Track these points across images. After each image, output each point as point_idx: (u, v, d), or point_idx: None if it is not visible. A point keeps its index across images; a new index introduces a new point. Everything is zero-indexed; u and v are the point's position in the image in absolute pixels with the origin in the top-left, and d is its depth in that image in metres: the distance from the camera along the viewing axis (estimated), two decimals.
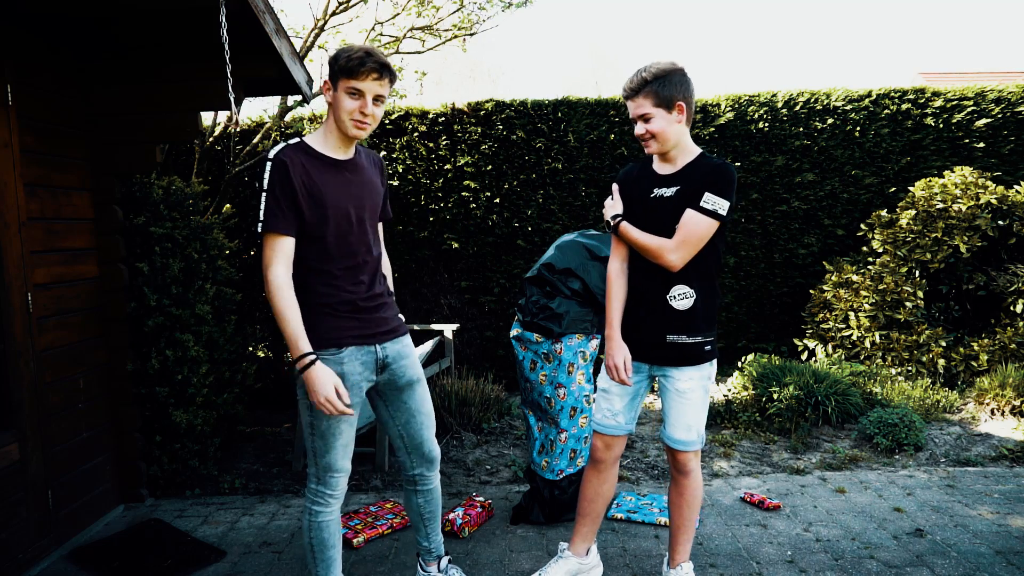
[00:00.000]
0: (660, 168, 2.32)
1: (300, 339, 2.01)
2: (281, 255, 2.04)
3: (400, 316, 2.35)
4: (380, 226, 2.37)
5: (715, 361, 2.39)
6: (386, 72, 2.05)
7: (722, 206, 2.18)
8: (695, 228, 2.18)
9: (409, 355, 2.30)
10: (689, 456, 2.41)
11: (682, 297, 2.27)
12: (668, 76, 2.18)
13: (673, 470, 2.48)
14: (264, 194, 2.02)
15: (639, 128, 2.24)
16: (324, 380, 1.99)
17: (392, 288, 2.40)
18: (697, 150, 2.31)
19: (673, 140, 2.24)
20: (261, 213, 2.02)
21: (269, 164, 2.03)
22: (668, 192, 2.26)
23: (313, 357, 2.01)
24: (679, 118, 2.21)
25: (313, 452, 2.18)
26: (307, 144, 2.11)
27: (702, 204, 2.17)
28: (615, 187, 2.41)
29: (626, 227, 2.29)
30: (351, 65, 2.00)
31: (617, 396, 2.45)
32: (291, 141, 2.11)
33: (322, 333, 2.10)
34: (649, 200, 2.29)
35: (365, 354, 2.18)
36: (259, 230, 2.03)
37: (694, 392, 2.35)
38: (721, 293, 2.34)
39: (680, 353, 2.30)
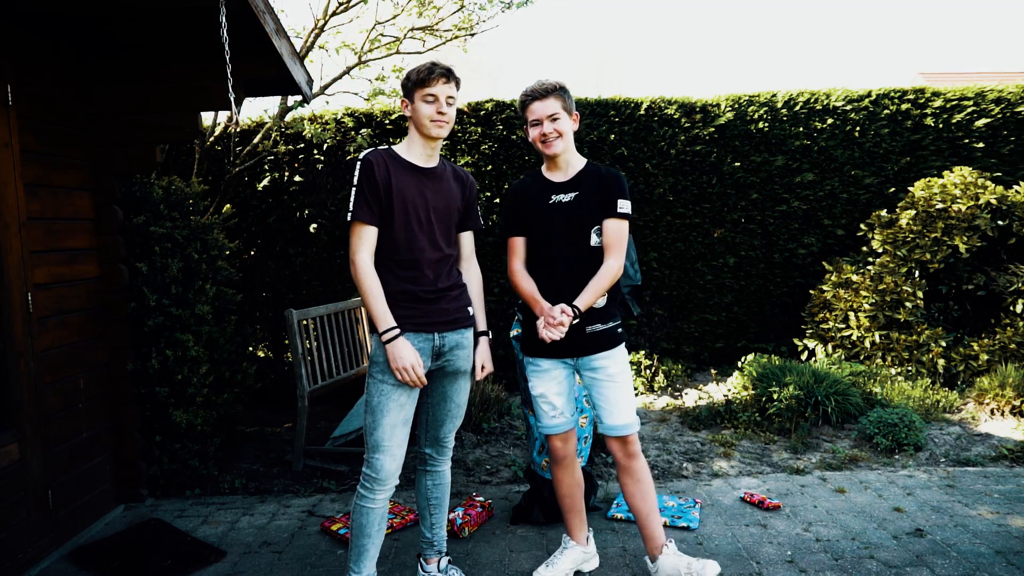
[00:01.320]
0: (553, 176, 2.57)
1: (386, 315, 2.28)
2: (365, 242, 2.32)
3: (468, 309, 2.52)
4: (469, 235, 2.60)
5: (624, 344, 2.60)
6: (452, 76, 2.37)
7: (629, 207, 2.51)
8: (621, 232, 2.49)
9: (466, 346, 2.49)
10: (634, 437, 2.54)
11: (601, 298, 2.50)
12: (567, 90, 2.52)
13: (622, 459, 2.56)
14: (354, 189, 2.32)
15: (547, 127, 2.47)
16: (406, 352, 2.25)
17: (476, 291, 2.59)
18: (583, 159, 2.59)
19: (568, 143, 2.51)
20: (351, 204, 2.31)
21: (359, 163, 2.33)
22: (566, 198, 2.51)
23: (397, 332, 2.27)
24: (575, 126, 2.54)
25: (366, 429, 2.36)
26: (393, 151, 2.41)
27: (619, 211, 2.48)
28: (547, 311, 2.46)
29: (584, 296, 2.44)
30: (422, 76, 2.32)
31: (555, 395, 2.58)
32: (380, 147, 2.42)
33: None
34: (547, 207, 2.52)
35: (422, 340, 2.37)
36: (348, 219, 2.32)
37: (624, 374, 2.53)
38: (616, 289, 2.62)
39: (600, 339, 2.50)
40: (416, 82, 2.33)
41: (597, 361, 2.51)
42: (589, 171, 2.54)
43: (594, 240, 2.49)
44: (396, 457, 2.34)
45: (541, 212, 2.53)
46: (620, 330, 2.56)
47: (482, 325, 2.58)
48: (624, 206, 2.48)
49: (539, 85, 2.49)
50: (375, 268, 2.33)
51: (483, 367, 2.55)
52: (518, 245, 2.59)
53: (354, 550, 2.38)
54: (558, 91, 2.48)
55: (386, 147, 2.40)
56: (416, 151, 2.40)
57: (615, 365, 2.51)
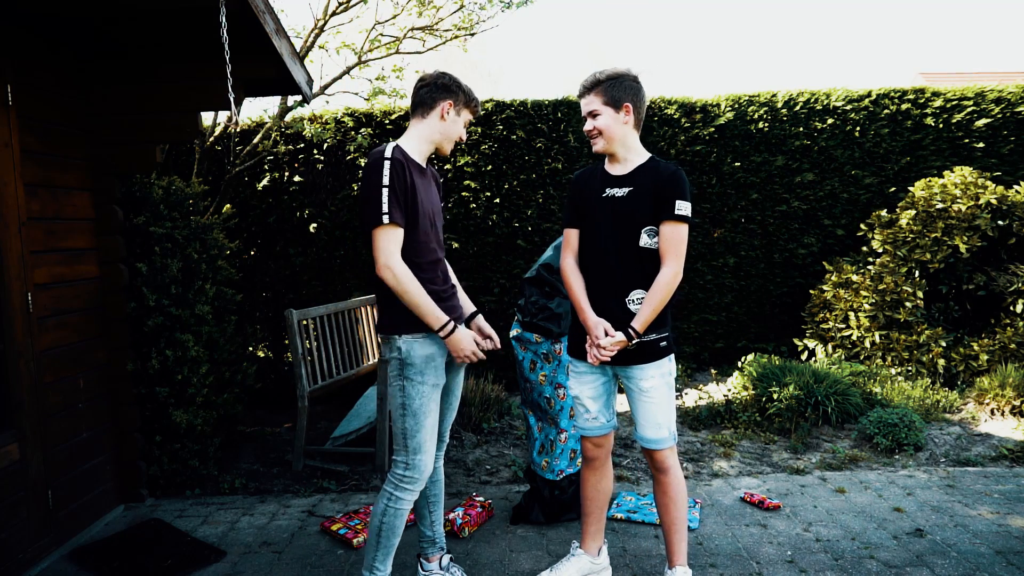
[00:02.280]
0: (612, 169, 2.43)
1: (438, 311, 2.28)
2: (398, 245, 2.27)
3: (462, 305, 2.56)
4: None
5: (673, 357, 2.45)
6: None
7: (689, 208, 2.30)
8: (678, 236, 2.30)
9: None
10: (665, 454, 2.44)
11: (639, 301, 2.35)
12: (620, 79, 2.34)
13: (652, 470, 2.52)
14: (385, 189, 2.23)
15: (587, 124, 2.38)
16: (464, 339, 2.30)
17: (453, 279, 2.61)
18: (647, 154, 2.41)
19: (619, 139, 2.37)
20: (384, 206, 2.22)
21: (388, 163, 2.24)
22: (620, 192, 2.37)
23: (453, 324, 2.29)
24: (626, 119, 2.35)
25: (403, 434, 2.35)
26: (403, 149, 2.34)
27: (676, 212, 2.28)
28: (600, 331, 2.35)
29: (640, 315, 2.30)
30: (478, 105, 2.45)
31: (590, 399, 2.53)
32: (394, 144, 2.33)
33: (414, 319, 2.31)
34: (601, 199, 2.40)
35: (439, 339, 2.38)
36: (382, 222, 2.22)
37: (657, 390, 2.41)
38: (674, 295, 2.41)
39: (639, 351, 2.37)
40: (470, 101, 2.41)
41: (631, 372, 2.41)
42: (648, 167, 2.36)
43: (643, 240, 2.32)
44: (432, 456, 2.40)
45: (593, 205, 2.41)
46: (664, 343, 2.38)
47: (472, 306, 2.62)
48: (683, 207, 2.27)
49: (587, 78, 2.37)
50: None
51: (493, 338, 2.57)
52: (572, 238, 2.48)
53: (382, 550, 2.39)
54: (601, 84, 2.33)
55: (395, 145, 2.33)
56: (421, 153, 2.40)
57: (648, 380, 2.39)
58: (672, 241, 2.28)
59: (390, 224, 2.22)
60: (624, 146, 2.38)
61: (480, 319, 2.59)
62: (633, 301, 2.35)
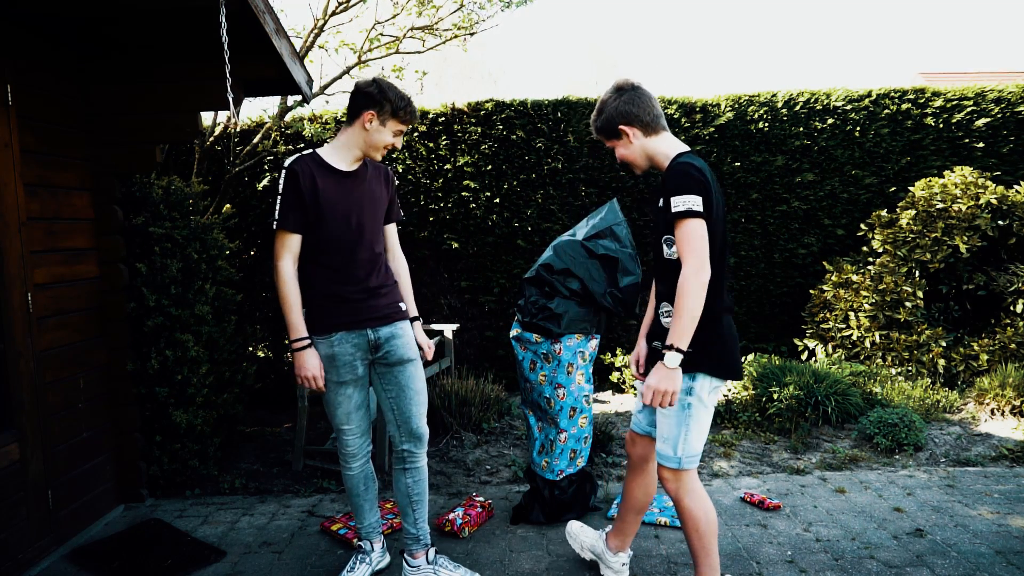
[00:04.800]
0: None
1: (299, 325, 2.45)
2: (288, 250, 2.44)
3: (400, 304, 2.63)
4: (393, 227, 2.73)
5: (696, 376, 2.19)
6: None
7: (692, 202, 2.05)
8: (684, 233, 2.09)
9: (401, 336, 2.58)
10: (664, 472, 2.29)
11: (667, 315, 2.28)
12: (603, 110, 2.29)
13: (662, 484, 2.37)
14: (279, 197, 2.42)
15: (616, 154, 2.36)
16: (308, 363, 2.45)
17: (405, 281, 2.74)
18: (672, 155, 2.24)
19: (641, 159, 2.30)
20: (276, 212, 2.42)
21: (284, 172, 2.42)
22: (661, 202, 2.25)
23: (307, 342, 2.46)
24: (631, 139, 2.27)
25: (328, 416, 2.66)
26: (319, 155, 2.46)
27: (674, 210, 2.08)
28: None
29: (677, 341, 2.10)
30: (408, 114, 2.44)
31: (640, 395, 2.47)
32: (305, 152, 2.47)
33: (315, 321, 2.50)
34: (658, 209, 2.32)
35: (357, 336, 2.52)
36: (273, 227, 2.43)
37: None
38: (716, 311, 2.21)
39: (653, 359, 2.28)
40: (396, 111, 2.41)
41: (648, 379, 2.18)
42: (668, 167, 2.23)
43: (666, 252, 2.23)
44: (359, 433, 2.64)
45: (655, 216, 2.38)
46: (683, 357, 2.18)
47: (413, 312, 2.72)
48: (679, 203, 2.06)
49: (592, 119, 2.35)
50: (306, 272, 2.47)
51: (430, 347, 2.75)
52: None
53: (353, 509, 2.76)
54: (595, 127, 2.33)
55: (311, 152, 2.46)
56: (345, 158, 2.47)
57: None
58: (681, 241, 2.08)
59: (279, 230, 2.41)
60: (650, 159, 2.29)
61: (417, 326, 2.72)
62: (663, 315, 2.28)
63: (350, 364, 2.52)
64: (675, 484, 2.29)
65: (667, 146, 2.26)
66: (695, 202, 2.05)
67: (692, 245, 2.07)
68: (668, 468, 2.28)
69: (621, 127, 2.26)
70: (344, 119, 2.61)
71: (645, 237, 5.79)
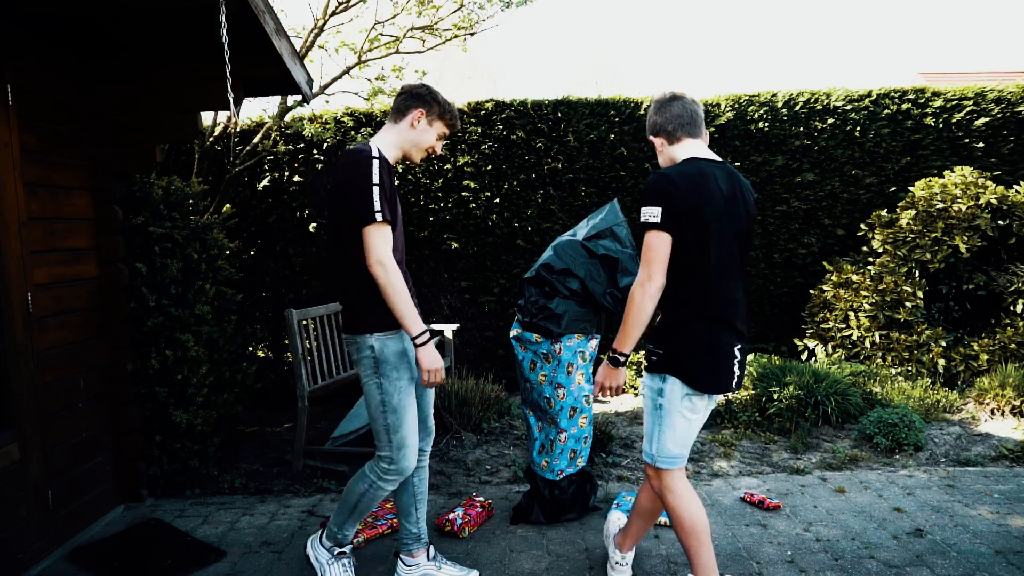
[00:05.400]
0: None
1: (418, 318, 2.31)
2: (389, 242, 2.30)
3: None
4: None
5: (667, 378, 2.24)
6: None
7: (649, 213, 2.16)
8: (645, 244, 2.19)
9: None
10: (647, 468, 2.37)
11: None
12: (647, 116, 2.38)
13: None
14: (376, 187, 2.25)
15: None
16: (436, 356, 2.31)
17: None
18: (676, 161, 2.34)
19: (663, 161, 2.38)
20: (376, 204, 2.24)
21: (376, 161, 2.28)
22: None
23: (429, 335, 2.31)
24: (659, 147, 2.37)
25: (386, 431, 2.40)
26: (381, 150, 2.39)
27: (641, 220, 2.21)
28: None
29: (622, 346, 2.26)
30: (452, 118, 2.48)
31: None
32: (374, 144, 2.37)
33: (386, 317, 2.34)
34: None
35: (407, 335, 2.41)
36: (375, 219, 2.24)
37: (645, 401, 2.36)
38: (687, 313, 2.24)
39: (647, 357, 2.36)
40: (443, 114, 2.45)
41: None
42: None
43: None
44: (415, 449, 2.46)
45: None
46: (655, 357, 2.27)
47: None
48: (644, 214, 2.18)
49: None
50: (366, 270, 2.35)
51: None
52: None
53: (352, 520, 2.57)
54: (647, 127, 2.40)
55: (375, 145, 2.37)
56: (394, 155, 2.46)
57: (642, 388, 2.38)
58: (642, 250, 2.21)
59: (383, 222, 2.26)
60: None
61: None
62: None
63: (413, 361, 2.42)
64: (656, 481, 2.36)
65: (681, 153, 2.31)
66: (652, 213, 2.15)
67: (645, 256, 2.17)
68: (650, 465, 2.35)
69: (651, 137, 2.38)
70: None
71: None
